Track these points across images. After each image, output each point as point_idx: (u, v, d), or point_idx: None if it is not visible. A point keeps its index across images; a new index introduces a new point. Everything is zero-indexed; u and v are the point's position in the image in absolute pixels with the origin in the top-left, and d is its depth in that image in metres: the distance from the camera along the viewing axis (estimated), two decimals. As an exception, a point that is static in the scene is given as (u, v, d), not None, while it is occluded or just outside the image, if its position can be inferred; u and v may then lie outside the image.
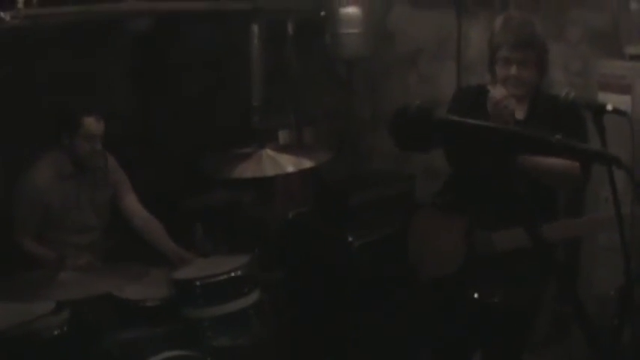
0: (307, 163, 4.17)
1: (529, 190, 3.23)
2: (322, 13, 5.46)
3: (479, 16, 5.11)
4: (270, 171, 4.21)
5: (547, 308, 3.81)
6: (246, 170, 4.17)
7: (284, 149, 4.42)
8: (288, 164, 4.19)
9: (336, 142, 5.79)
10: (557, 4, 4.76)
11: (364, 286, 4.62)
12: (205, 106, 5.40)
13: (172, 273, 4.07)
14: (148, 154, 5.09)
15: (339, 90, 5.99)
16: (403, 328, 4.63)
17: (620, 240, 2.33)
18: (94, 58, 4.89)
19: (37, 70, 4.62)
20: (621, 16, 4.45)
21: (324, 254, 4.80)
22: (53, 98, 4.55)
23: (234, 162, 4.23)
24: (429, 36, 5.57)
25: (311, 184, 5.26)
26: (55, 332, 3.51)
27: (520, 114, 3.52)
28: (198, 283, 3.89)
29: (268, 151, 4.28)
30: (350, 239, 4.61)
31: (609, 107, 2.71)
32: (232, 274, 3.95)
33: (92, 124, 4.18)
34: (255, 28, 5.23)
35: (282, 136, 5.52)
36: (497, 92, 3.40)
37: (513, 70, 3.49)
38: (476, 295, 3.45)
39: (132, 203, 4.57)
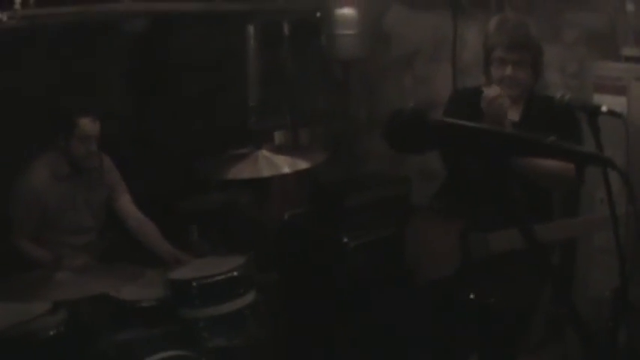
0: (303, 164, 4.17)
1: (524, 192, 3.26)
2: (318, 14, 5.47)
3: (475, 17, 5.11)
4: (266, 172, 4.20)
5: (543, 309, 3.82)
6: (242, 171, 4.17)
7: (280, 150, 4.41)
8: (284, 165, 4.19)
9: (331, 143, 5.79)
10: (553, 6, 4.77)
11: (360, 287, 4.62)
12: (201, 106, 5.40)
13: (168, 273, 4.07)
14: (144, 154, 5.08)
15: (334, 91, 6.00)
16: (399, 329, 4.63)
17: (614, 241, 2.34)
18: (90, 58, 4.89)
19: (34, 71, 4.62)
20: (617, 17, 4.46)
21: (319, 255, 4.81)
22: (50, 99, 4.55)
23: (230, 163, 4.23)
24: (425, 37, 5.57)
25: (307, 185, 5.26)
26: (52, 332, 3.50)
27: (515, 116, 3.53)
28: (194, 283, 3.89)
29: (264, 152, 4.27)
30: (345, 240, 4.61)
31: (604, 109, 2.72)
32: (228, 275, 3.95)
33: (87, 125, 4.17)
34: (251, 29, 5.24)
35: (278, 137, 5.53)
36: (491, 90, 3.41)
37: (508, 70, 3.50)
38: (472, 296, 3.46)
39: (127, 204, 4.56)
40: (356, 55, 5.52)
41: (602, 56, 4.54)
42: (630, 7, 4.35)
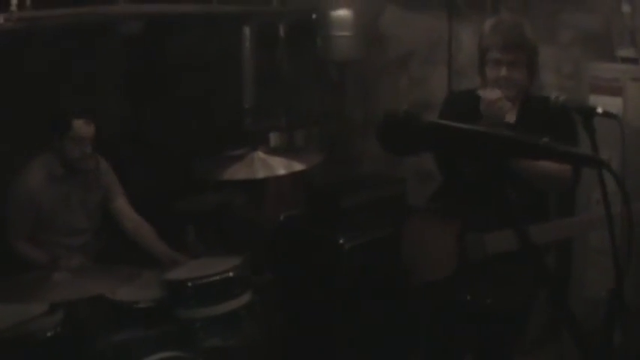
0: (298, 166, 4.18)
1: (520, 193, 3.26)
2: (313, 16, 5.47)
3: (470, 19, 5.12)
4: (261, 173, 4.21)
5: (539, 310, 3.82)
6: (238, 172, 4.18)
7: (275, 152, 4.42)
8: (280, 167, 4.19)
9: (327, 144, 5.80)
10: (549, 7, 4.78)
11: (355, 288, 4.63)
12: (197, 108, 5.40)
13: (164, 274, 4.08)
14: (140, 156, 5.08)
15: (330, 92, 6.00)
16: (395, 330, 4.64)
17: (610, 241, 2.34)
18: (86, 60, 4.88)
19: (30, 72, 4.62)
20: (613, 18, 4.47)
21: (315, 256, 4.81)
22: (46, 101, 4.55)
23: (226, 164, 4.24)
24: (420, 39, 5.58)
25: (302, 186, 5.27)
26: (49, 333, 3.51)
27: (511, 117, 3.53)
28: (190, 284, 3.90)
29: (260, 154, 4.28)
30: (341, 241, 4.61)
31: (599, 110, 2.72)
32: (224, 276, 3.96)
33: (82, 126, 4.17)
34: (247, 31, 5.24)
35: (274, 138, 5.53)
36: (492, 93, 3.39)
37: (503, 71, 3.48)
38: (469, 297, 3.46)
39: (122, 206, 4.56)
40: (351, 57, 5.53)
41: (597, 57, 4.55)
42: (626, 8, 4.35)
